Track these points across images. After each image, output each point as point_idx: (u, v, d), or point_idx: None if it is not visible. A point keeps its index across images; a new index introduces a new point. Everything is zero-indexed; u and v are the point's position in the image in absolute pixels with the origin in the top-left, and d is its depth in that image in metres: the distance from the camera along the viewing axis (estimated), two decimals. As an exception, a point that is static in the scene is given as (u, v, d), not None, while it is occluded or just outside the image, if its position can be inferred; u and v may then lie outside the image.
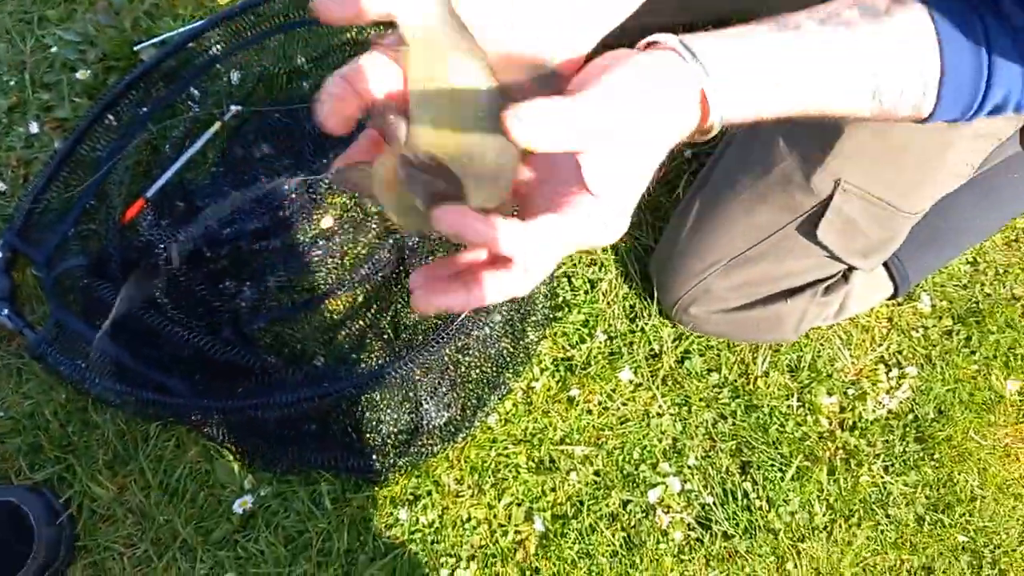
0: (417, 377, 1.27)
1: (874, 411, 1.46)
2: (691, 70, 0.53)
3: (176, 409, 1.17)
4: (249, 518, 1.24)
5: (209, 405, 1.19)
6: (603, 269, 1.48)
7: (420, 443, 1.31)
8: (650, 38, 0.55)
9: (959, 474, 1.44)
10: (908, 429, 1.46)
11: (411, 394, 1.30)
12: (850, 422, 1.45)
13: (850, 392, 1.47)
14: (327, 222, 1.42)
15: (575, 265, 1.47)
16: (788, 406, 1.43)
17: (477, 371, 1.30)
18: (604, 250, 1.47)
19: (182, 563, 1.20)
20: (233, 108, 1.43)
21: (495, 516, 1.29)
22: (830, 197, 1.15)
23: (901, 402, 1.47)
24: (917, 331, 1.53)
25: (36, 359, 1.29)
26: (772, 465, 1.38)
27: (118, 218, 1.29)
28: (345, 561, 1.23)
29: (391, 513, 1.26)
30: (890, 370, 1.49)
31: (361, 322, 1.38)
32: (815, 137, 1.11)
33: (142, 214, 1.33)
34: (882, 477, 1.42)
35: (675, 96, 0.52)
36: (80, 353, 1.24)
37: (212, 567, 1.21)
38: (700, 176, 1.38)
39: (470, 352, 1.29)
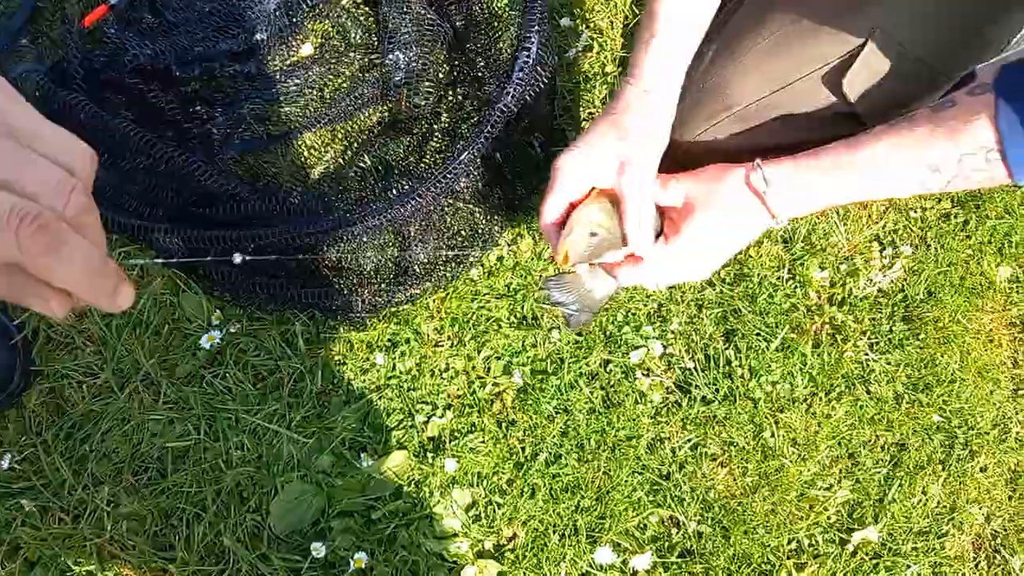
0: (404, 219, 1.20)
1: (865, 288, 1.44)
2: (764, 216, 0.88)
3: (139, 229, 1.09)
4: (217, 354, 1.19)
5: (177, 229, 1.11)
6: (599, 110, 1.40)
7: (402, 289, 1.25)
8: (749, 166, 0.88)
9: (941, 356, 1.44)
10: (896, 308, 1.45)
11: (397, 237, 1.23)
12: (839, 297, 1.44)
13: (842, 268, 1.45)
14: (306, 50, 1.32)
15: (572, 118, 1.40)
16: (779, 277, 1.40)
17: (465, 218, 1.24)
18: (603, 103, 1.39)
19: (145, 396, 1.16)
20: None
21: (474, 368, 1.26)
22: (861, 47, 1.07)
23: (892, 281, 1.46)
24: (915, 211, 1.50)
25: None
26: (757, 335, 1.36)
27: (77, 22, 1.17)
28: (317, 403, 1.19)
29: (367, 358, 1.22)
30: (884, 248, 1.47)
31: (341, 160, 1.30)
32: None
33: (105, 21, 1.20)
34: (866, 354, 1.41)
35: (747, 239, 0.90)
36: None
37: (177, 401, 1.16)
38: (718, 19, 1.29)
39: (460, 197, 1.22)
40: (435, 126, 1.35)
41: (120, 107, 1.26)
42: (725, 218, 0.85)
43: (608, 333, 1.36)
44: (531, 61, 1.10)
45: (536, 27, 1.11)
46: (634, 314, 1.38)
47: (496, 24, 1.45)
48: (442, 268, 1.34)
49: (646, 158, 0.90)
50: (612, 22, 1.49)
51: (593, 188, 0.88)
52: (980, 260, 1.55)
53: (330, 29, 1.40)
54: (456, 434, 1.27)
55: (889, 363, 1.47)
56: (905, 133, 0.81)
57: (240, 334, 1.23)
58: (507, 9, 1.41)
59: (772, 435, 1.39)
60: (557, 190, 0.90)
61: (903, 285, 1.51)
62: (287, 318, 1.25)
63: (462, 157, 1.14)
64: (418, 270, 1.33)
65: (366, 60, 1.39)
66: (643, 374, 1.36)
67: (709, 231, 0.86)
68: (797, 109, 1.20)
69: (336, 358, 1.26)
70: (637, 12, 1.49)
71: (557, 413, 1.32)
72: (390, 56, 1.33)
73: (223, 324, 1.23)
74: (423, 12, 1.33)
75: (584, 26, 1.48)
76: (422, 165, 1.38)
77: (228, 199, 1.23)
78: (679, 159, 1.41)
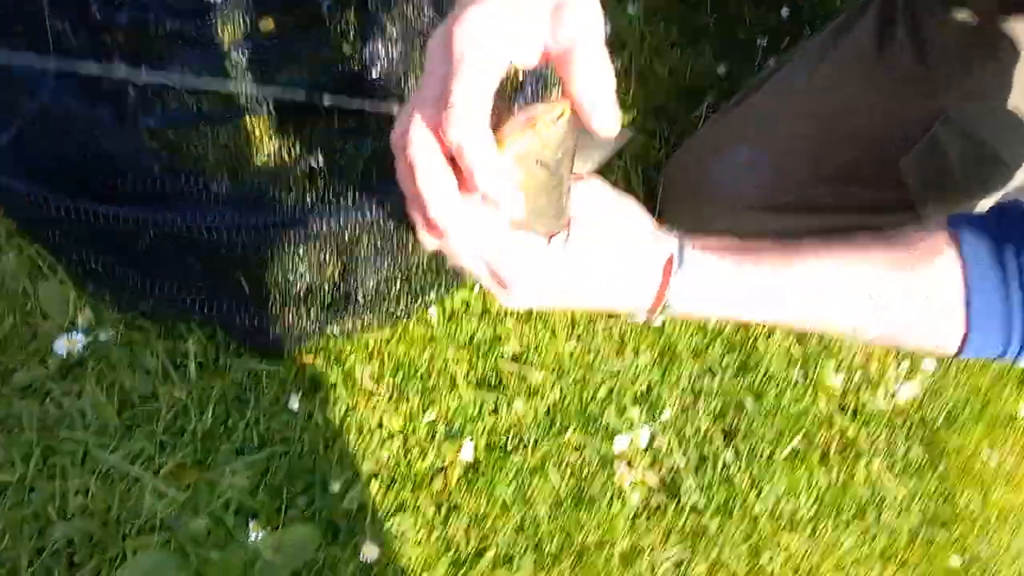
0: (354, 228, 0.94)
1: (881, 401, 1.21)
2: (648, 297, 0.58)
3: None
4: (74, 366, 0.88)
5: (49, 198, 0.82)
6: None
7: (337, 319, 0.97)
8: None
9: (961, 491, 1.23)
10: (914, 430, 1.24)
11: (341, 254, 0.96)
12: (852, 407, 1.21)
13: (858, 375, 1.22)
14: (267, 25, 1.07)
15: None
16: (788, 375, 1.17)
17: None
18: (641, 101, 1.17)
19: (-42, 407, 0.82)
20: None
21: (414, 431, 0.97)
22: (928, 129, 0.90)
23: (910, 399, 1.23)
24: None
25: None
26: (762, 438, 1.11)
27: None
28: (201, 448, 0.89)
29: (278, 398, 0.93)
30: (902, 362, 1.26)
31: (287, 155, 1.03)
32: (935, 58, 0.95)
33: None
34: (880, 477, 1.17)
35: (612, 304, 0.59)
36: None
37: (5, 418, 0.82)
38: (746, 87, 1.13)
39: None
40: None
41: (17, 37, 0.98)
42: (609, 270, 0.57)
43: (587, 410, 1.09)
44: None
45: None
46: (621, 392, 1.11)
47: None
48: (392, 301, 1.06)
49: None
50: (627, 69, 1.31)
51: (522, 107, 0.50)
52: (1002, 390, 1.36)
53: (299, 7, 1.16)
54: (382, 513, 0.96)
55: (905, 490, 1.23)
56: (855, 255, 0.61)
57: (112, 344, 0.92)
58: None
59: (771, 560, 1.12)
60: (472, 73, 0.45)
61: (922, 405, 1.30)
62: (179, 331, 0.94)
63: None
64: (361, 299, 1.05)
65: (337, 47, 1.15)
66: (625, 466, 1.08)
67: (583, 270, 0.57)
68: (843, 187, 1.02)
69: (236, 392, 0.96)
70: (655, 64, 1.32)
71: (514, 502, 1.03)
72: (368, 47, 1.10)
73: (91, 328, 0.92)
74: (417, 3, 1.11)
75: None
76: (387, 176, 1.12)
77: (129, 172, 0.95)
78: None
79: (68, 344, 0.93)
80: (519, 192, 0.48)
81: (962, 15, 0.92)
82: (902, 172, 0.99)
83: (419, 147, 0.46)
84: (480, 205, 0.49)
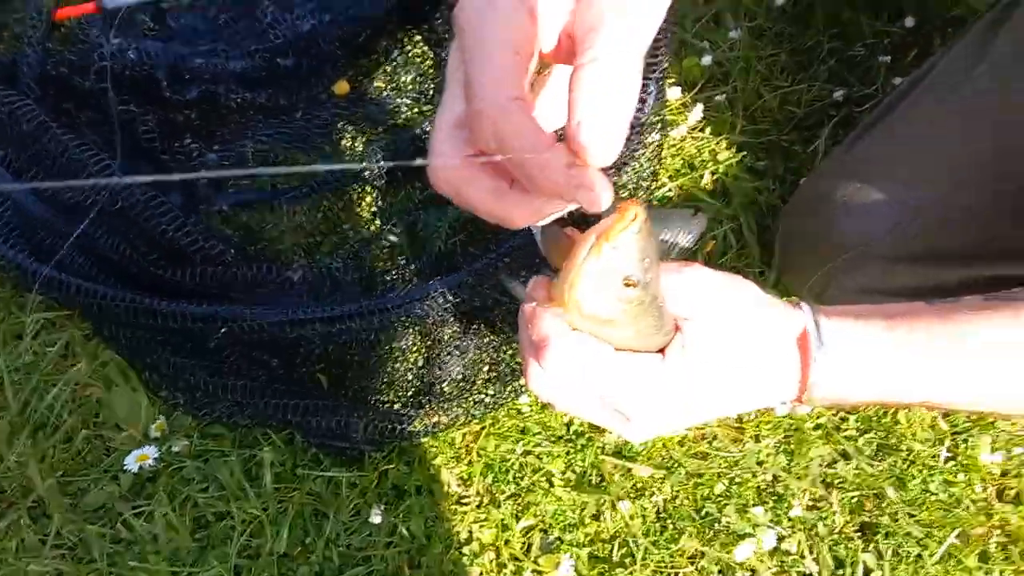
0: (436, 319, 0.84)
1: (1049, 485, 1.03)
2: (791, 389, 0.52)
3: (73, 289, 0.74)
4: (147, 481, 0.81)
5: (130, 300, 0.75)
6: (709, 225, 1.05)
7: (421, 414, 0.87)
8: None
9: None
10: (1092, 519, 1.02)
11: (424, 340, 0.86)
12: (1012, 492, 1.02)
13: (1016, 451, 1.03)
14: (341, 88, 0.99)
15: (670, 194, 1.05)
16: (935, 456, 1.00)
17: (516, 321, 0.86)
18: (711, 197, 1.04)
19: (29, 532, 0.76)
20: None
21: (508, 542, 0.88)
22: None
23: (1085, 480, 1.03)
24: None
25: None
26: (908, 535, 0.95)
27: (47, 11, 0.85)
28: (278, 571, 0.79)
29: (359, 511, 0.85)
30: (1073, 433, 1.06)
31: (366, 231, 0.95)
32: None
33: (87, 21, 0.89)
34: (1053, 579, 0.98)
35: (746, 406, 0.53)
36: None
37: (74, 546, 0.77)
38: (880, 108, 0.97)
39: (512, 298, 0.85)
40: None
41: (80, 124, 0.93)
42: (738, 368, 0.50)
43: (702, 511, 0.96)
44: (645, 114, 0.76)
45: (655, 80, 0.77)
46: (739, 485, 0.98)
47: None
48: (480, 391, 0.96)
49: None
50: (732, 100, 1.16)
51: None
52: None
53: (376, 66, 1.07)
54: (475, 642, 0.86)
55: (1084, 596, 1.04)
56: None
57: (185, 456, 0.86)
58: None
59: None
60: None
61: (1101, 486, 1.10)
62: (254, 439, 0.86)
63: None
64: (446, 390, 0.96)
65: (416, 110, 1.06)
66: (748, 577, 0.95)
67: (711, 373, 0.49)
68: (995, 228, 0.85)
69: (314, 506, 0.87)
70: (762, 94, 1.16)
71: (622, 624, 0.90)
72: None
73: (164, 439, 0.86)
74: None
75: (696, 101, 1.15)
76: (471, 248, 1.02)
77: (203, 263, 0.88)
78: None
79: (140, 460, 0.88)
80: (614, 329, 0.45)
81: None
82: None
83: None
84: (582, 336, 0.46)
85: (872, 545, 1.03)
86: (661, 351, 0.49)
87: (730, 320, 0.50)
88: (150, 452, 0.87)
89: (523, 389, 1.00)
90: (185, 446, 0.89)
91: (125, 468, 0.87)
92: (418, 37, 1.14)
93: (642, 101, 0.82)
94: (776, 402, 0.53)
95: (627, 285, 0.43)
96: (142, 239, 0.91)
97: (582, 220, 0.47)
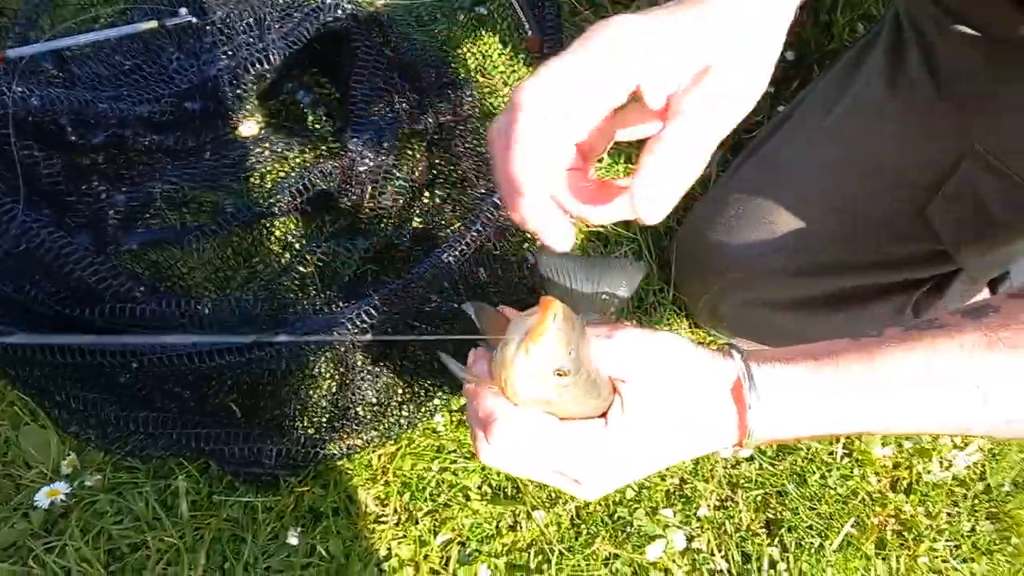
0: (347, 346, 0.89)
1: (937, 473, 1.11)
2: (730, 435, 0.54)
3: None
4: (60, 517, 0.82)
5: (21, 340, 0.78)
6: (609, 247, 1.13)
7: (336, 438, 0.91)
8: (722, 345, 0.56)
9: None
10: (978, 502, 1.13)
11: (338, 367, 0.91)
12: (905, 483, 1.11)
13: (906, 445, 1.12)
14: (249, 129, 1.05)
15: (576, 239, 1.11)
16: (831, 452, 1.08)
17: (430, 345, 0.93)
18: (612, 227, 1.12)
19: (-65, 574, 0.77)
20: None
21: (427, 557, 0.91)
22: (954, 167, 0.82)
23: (969, 467, 1.13)
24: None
25: None
26: (809, 527, 1.02)
27: None
28: None
29: (277, 534, 0.87)
30: (956, 424, 1.15)
31: (277, 264, 0.99)
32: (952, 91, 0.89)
33: None
34: (945, 561, 1.07)
35: (690, 454, 0.56)
36: None
37: (-16, 585, 0.78)
38: (759, 136, 1.06)
39: (425, 316, 0.92)
40: (404, 231, 1.06)
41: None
42: (678, 423, 0.53)
43: (614, 515, 1.01)
44: None
45: None
46: (648, 489, 1.03)
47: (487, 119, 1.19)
48: (394, 413, 1.00)
49: (738, 73, 0.49)
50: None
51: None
52: (1072, 445, 1.24)
53: (282, 107, 1.13)
54: (395, 656, 0.88)
55: (974, 575, 1.12)
56: (945, 342, 0.54)
57: (98, 489, 0.87)
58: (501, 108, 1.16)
59: (834, 673, 1.01)
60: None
61: (983, 471, 1.19)
62: (169, 469, 0.89)
63: (439, 260, 0.84)
64: (361, 413, 1.00)
65: (324, 148, 1.11)
66: (660, 576, 1.00)
67: (652, 429, 0.53)
68: (871, 241, 0.94)
69: (232, 531, 0.89)
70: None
71: (542, 630, 0.94)
72: (353, 141, 1.05)
73: (76, 475, 0.87)
74: (400, 95, 1.07)
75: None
76: (381, 278, 1.07)
77: (112, 300, 0.90)
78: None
79: (51, 495, 0.89)
80: (553, 408, 0.50)
81: (972, 28, 0.84)
82: (931, 219, 0.92)
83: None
84: (526, 411, 0.50)
85: (776, 539, 1.09)
86: (603, 415, 0.52)
87: (665, 377, 0.53)
88: (61, 488, 0.88)
89: (437, 409, 1.05)
90: (98, 480, 0.91)
91: (36, 504, 0.87)
92: (324, 79, 1.20)
93: None
94: (718, 447, 0.56)
95: (559, 375, 0.47)
96: (49, 279, 0.94)
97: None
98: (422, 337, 0.93)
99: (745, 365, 0.54)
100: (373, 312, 0.88)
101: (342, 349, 0.99)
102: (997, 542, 1.18)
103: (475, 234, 0.92)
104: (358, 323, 0.92)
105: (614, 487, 0.56)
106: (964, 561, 1.16)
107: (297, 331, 0.89)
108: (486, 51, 1.31)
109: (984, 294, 1.06)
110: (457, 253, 0.92)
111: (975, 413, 0.54)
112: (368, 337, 0.83)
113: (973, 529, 1.18)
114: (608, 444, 0.52)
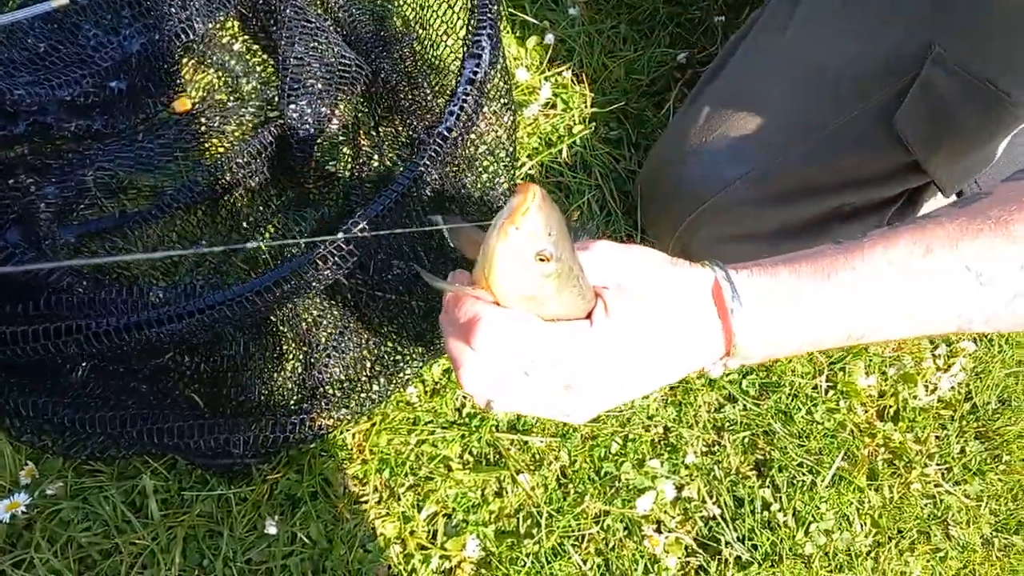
0: (311, 316, 0.88)
1: (922, 398, 1.15)
2: (716, 347, 0.55)
3: None
4: (23, 530, 0.82)
5: None
6: (572, 197, 1.13)
7: (306, 420, 0.91)
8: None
9: None
10: (965, 422, 1.17)
11: (301, 346, 0.90)
12: (892, 411, 1.14)
13: (890, 372, 1.15)
14: (182, 104, 1.02)
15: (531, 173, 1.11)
16: (815, 387, 1.11)
17: (398, 315, 0.92)
18: (572, 176, 1.12)
19: None
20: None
21: (413, 532, 0.92)
22: (915, 73, 0.84)
23: (954, 388, 1.17)
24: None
25: None
26: (799, 465, 1.05)
27: None
28: None
29: (254, 525, 0.87)
30: (938, 346, 1.19)
31: (224, 243, 0.98)
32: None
33: None
34: (937, 485, 1.11)
35: (675, 374, 0.56)
36: None
37: (-50, 608, 0.77)
38: (714, 63, 1.07)
39: (389, 283, 0.91)
40: (355, 195, 1.05)
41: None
42: (662, 326, 0.53)
43: (601, 471, 1.03)
44: (482, 70, 0.81)
45: (488, 29, 0.83)
46: (633, 441, 1.05)
47: (431, 72, 1.18)
48: (365, 387, 1.00)
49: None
50: (578, 75, 1.24)
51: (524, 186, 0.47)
52: (1055, 357, 1.28)
53: (214, 80, 1.10)
54: (389, 635, 0.90)
55: (968, 496, 1.17)
56: (931, 229, 0.54)
57: (61, 497, 0.87)
58: (444, 59, 1.15)
59: (835, 606, 1.05)
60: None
61: (968, 391, 1.23)
62: (134, 468, 0.88)
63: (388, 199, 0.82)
64: (330, 391, 1.00)
65: (262, 116, 1.10)
66: (653, 528, 1.02)
67: (636, 331, 0.53)
68: (838, 158, 0.95)
69: (207, 527, 0.89)
70: (608, 65, 1.25)
71: (537, 593, 0.96)
72: (292, 106, 1.04)
73: (35, 484, 0.86)
74: (337, 50, 1.05)
75: (544, 79, 1.23)
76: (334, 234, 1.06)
77: (51, 295, 0.89)
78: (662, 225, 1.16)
79: (10, 508, 0.88)
80: (538, 304, 0.50)
81: None
82: (897, 127, 0.93)
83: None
84: (510, 310, 0.50)
85: (768, 480, 1.12)
86: (588, 318, 0.52)
87: (645, 282, 0.54)
88: (21, 499, 0.88)
89: (409, 379, 1.05)
90: (59, 487, 0.90)
91: (-4, 519, 0.87)
92: (256, 46, 1.18)
93: (476, 56, 0.87)
94: (707, 361, 0.55)
95: (541, 260, 0.47)
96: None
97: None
98: (412, 229, 0.90)
99: (724, 271, 0.54)
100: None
101: (304, 325, 0.99)
102: (988, 461, 1.23)
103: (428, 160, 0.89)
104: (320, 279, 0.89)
105: (604, 400, 0.55)
106: (957, 483, 1.20)
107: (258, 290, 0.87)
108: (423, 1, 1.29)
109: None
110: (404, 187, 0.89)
111: (971, 299, 0.54)
112: (368, 234, 0.78)
113: (963, 450, 1.22)
114: (594, 343, 0.52)
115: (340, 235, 0.80)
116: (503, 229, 0.46)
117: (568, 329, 0.52)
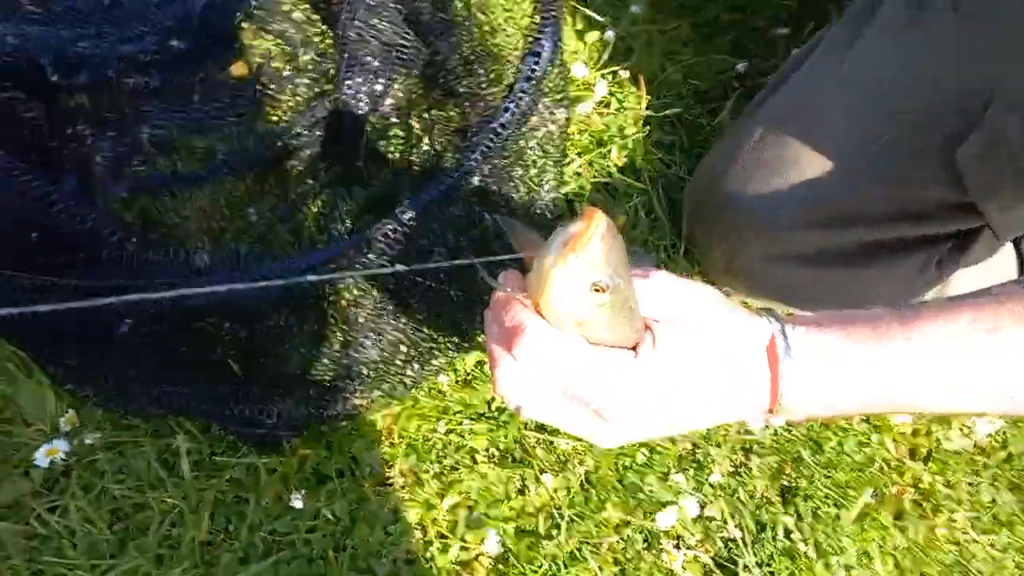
0: (352, 295, 1.02)
1: (957, 441, 1.28)
2: (760, 398, 0.60)
3: None
4: (60, 475, 0.96)
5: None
6: (618, 199, 1.26)
7: (340, 398, 1.05)
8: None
9: None
10: (1000, 472, 1.30)
11: (340, 324, 1.04)
12: (924, 450, 1.27)
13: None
14: (239, 69, 1.16)
15: (581, 189, 1.25)
16: (848, 418, 1.23)
17: (436, 302, 1.05)
18: (620, 178, 1.25)
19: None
20: None
21: (435, 521, 1.06)
22: (983, 109, 0.96)
23: (991, 434, 1.29)
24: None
25: None
26: (825, 497, 1.18)
27: None
28: (200, 559, 0.97)
29: (281, 497, 1.02)
30: (980, 391, 1.31)
31: (272, 213, 1.12)
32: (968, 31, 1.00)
33: None
34: (964, 533, 1.23)
35: (717, 417, 0.62)
36: None
37: (-17, 546, 0.91)
38: (774, 77, 1.19)
39: (431, 270, 1.05)
40: (403, 177, 1.19)
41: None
42: (709, 371, 0.59)
43: (625, 480, 1.16)
44: (541, 69, 0.95)
45: (551, 27, 0.96)
46: (660, 454, 1.18)
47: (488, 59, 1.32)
48: (400, 371, 1.13)
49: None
50: (635, 76, 1.37)
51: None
52: (1099, 415, 1.40)
53: (272, 47, 1.24)
54: (405, 617, 1.03)
55: (995, 547, 1.29)
56: (993, 306, 0.60)
57: (98, 448, 1.01)
58: (503, 47, 1.28)
59: (847, 642, 1.18)
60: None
61: (1005, 439, 1.36)
62: (169, 428, 1.02)
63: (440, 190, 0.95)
64: (365, 372, 1.13)
65: (317, 90, 1.23)
66: (673, 544, 1.15)
67: (681, 370, 0.59)
68: (893, 186, 1.07)
69: (235, 493, 1.03)
70: (666, 67, 1.38)
71: (552, 596, 1.09)
72: (348, 83, 1.17)
73: (75, 432, 1.00)
74: (397, 28, 1.19)
75: (600, 77, 1.36)
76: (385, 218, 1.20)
77: (100, 250, 1.02)
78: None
79: (50, 454, 1.02)
80: (585, 329, 0.55)
81: None
82: (959, 165, 1.03)
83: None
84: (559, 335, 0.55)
85: (792, 508, 1.25)
86: (634, 349, 0.57)
87: (700, 323, 0.59)
88: (61, 446, 1.02)
89: (442, 367, 1.19)
90: (98, 438, 1.04)
91: (35, 463, 1.01)
92: (316, 16, 1.31)
93: (536, 55, 1.01)
94: (748, 411, 0.60)
95: (596, 290, 0.51)
96: (28, 229, 1.05)
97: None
98: (455, 262, 1.03)
99: (780, 325, 0.60)
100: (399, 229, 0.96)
101: (344, 303, 1.12)
102: (1018, 514, 1.35)
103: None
104: (383, 241, 0.99)
105: (637, 432, 0.61)
106: (984, 533, 1.33)
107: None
108: (491, -13, 1.42)
109: (1008, 251, 1.21)
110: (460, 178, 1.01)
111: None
112: (400, 268, 0.91)
113: (994, 500, 1.35)
114: (637, 376, 0.57)
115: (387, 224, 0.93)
116: (564, 254, 0.51)
117: (612, 357, 0.57)
